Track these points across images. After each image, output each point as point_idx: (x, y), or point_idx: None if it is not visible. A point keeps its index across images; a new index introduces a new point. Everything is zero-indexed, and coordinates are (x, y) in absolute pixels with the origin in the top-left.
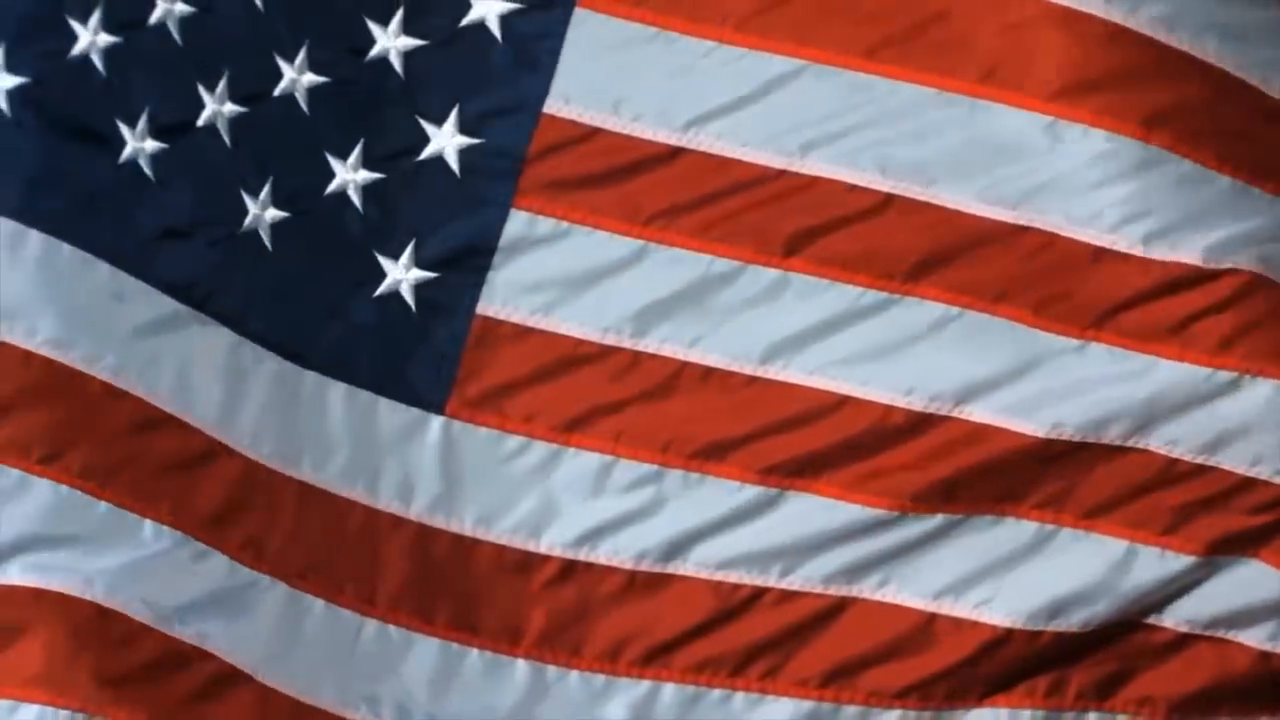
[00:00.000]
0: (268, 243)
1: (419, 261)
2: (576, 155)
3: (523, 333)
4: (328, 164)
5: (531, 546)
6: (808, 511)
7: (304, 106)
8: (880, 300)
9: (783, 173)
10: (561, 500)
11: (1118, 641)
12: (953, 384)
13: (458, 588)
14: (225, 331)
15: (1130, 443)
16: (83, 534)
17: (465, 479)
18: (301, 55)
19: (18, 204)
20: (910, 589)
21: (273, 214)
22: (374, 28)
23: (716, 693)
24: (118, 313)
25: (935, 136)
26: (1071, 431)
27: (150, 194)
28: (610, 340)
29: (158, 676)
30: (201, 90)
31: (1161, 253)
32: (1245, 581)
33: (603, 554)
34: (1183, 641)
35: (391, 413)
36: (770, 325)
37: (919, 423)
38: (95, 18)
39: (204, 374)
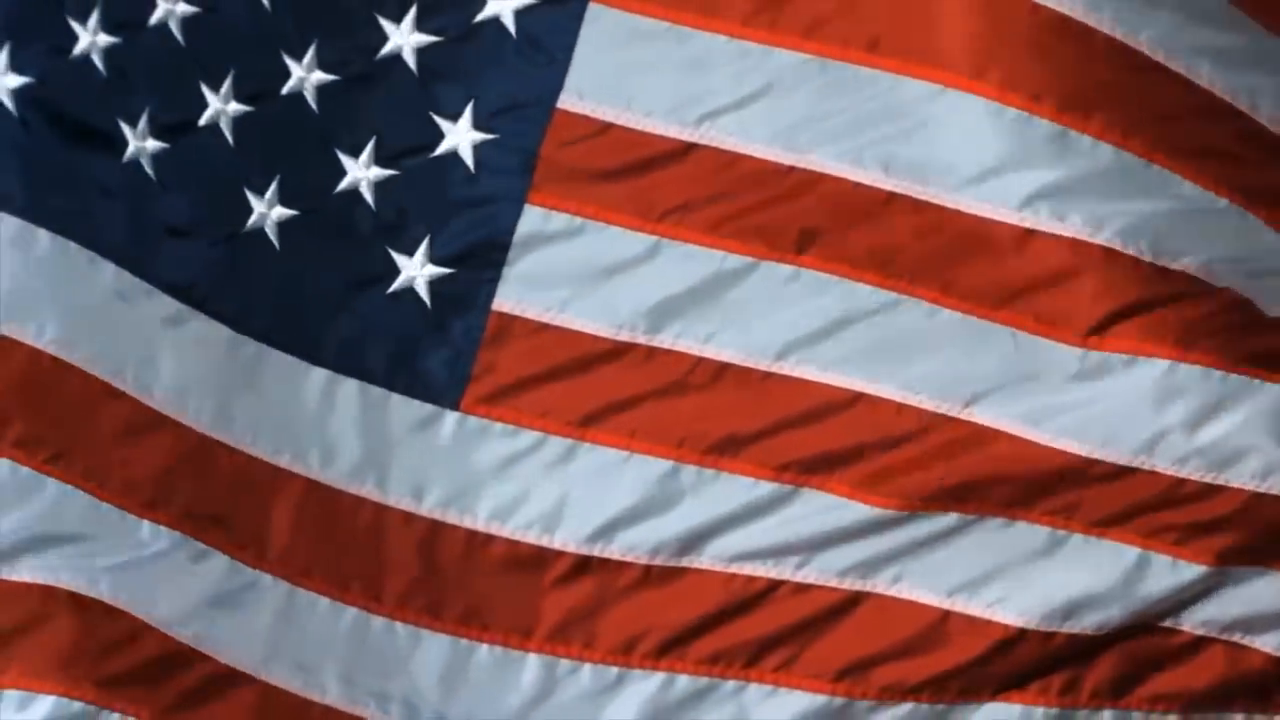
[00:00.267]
0: (275, 241)
1: (434, 258)
2: (590, 151)
3: (538, 328)
4: (338, 161)
5: (545, 542)
6: (821, 508)
7: (313, 104)
8: (889, 300)
9: (792, 169)
10: (576, 496)
11: (1132, 644)
12: (959, 385)
13: (469, 584)
14: (225, 330)
15: (1138, 463)
16: (87, 533)
17: (479, 474)
18: (310, 53)
19: (25, 202)
20: (924, 586)
21: (280, 212)
22: (386, 25)
23: (730, 684)
24: (120, 313)
25: (938, 134)
26: (1079, 446)
27: (152, 194)
28: (625, 336)
29: (158, 675)
30: (205, 90)
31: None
32: (1260, 590)
33: (617, 549)
34: (1198, 644)
35: (405, 409)
36: (784, 321)
37: (929, 423)
38: (94, 18)
39: (203, 374)
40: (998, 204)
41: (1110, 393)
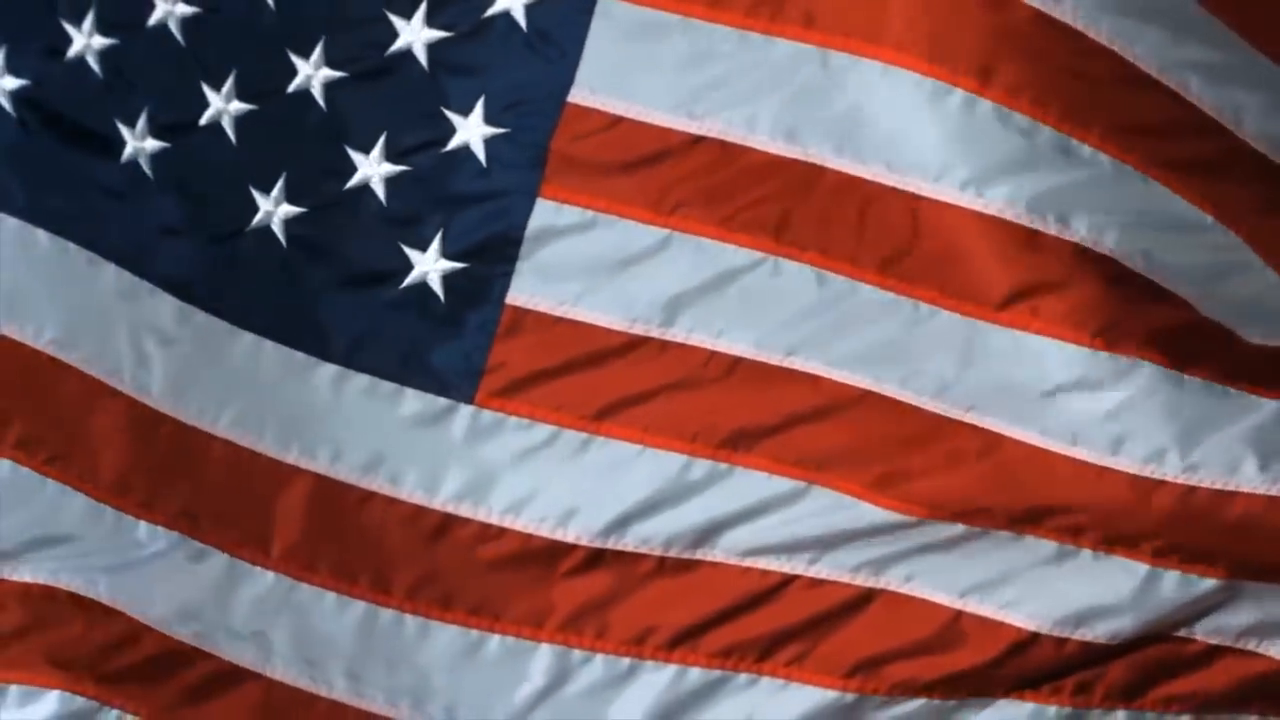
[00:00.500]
0: (281, 238)
1: (446, 252)
2: (601, 144)
3: (551, 322)
4: (348, 158)
5: (559, 535)
6: (833, 507)
7: (321, 102)
8: (891, 300)
9: (794, 162)
10: (590, 489)
11: (1146, 651)
12: (961, 389)
13: (481, 576)
14: (227, 326)
15: (1148, 473)
16: (85, 534)
17: (493, 468)
18: (318, 51)
19: (24, 203)
20: (936, 585)
21: (286, 209)
22: (396, 21)
23: (742, 677)
24: (119, 312)
25: (937, 131)
26: (1086, 453)
27: (150, 193)
28: (639, 329)
29: (160, 673)
30: (206, 89)
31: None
32: (1274, 601)
33: (631, 541)
34: (1212, 652)
35: (417, 403)
36: (793, 317)
37: (935, 425)
38: (88, 20)
39: (203, 371)
40: (999, 209)
41: (1118, 399)
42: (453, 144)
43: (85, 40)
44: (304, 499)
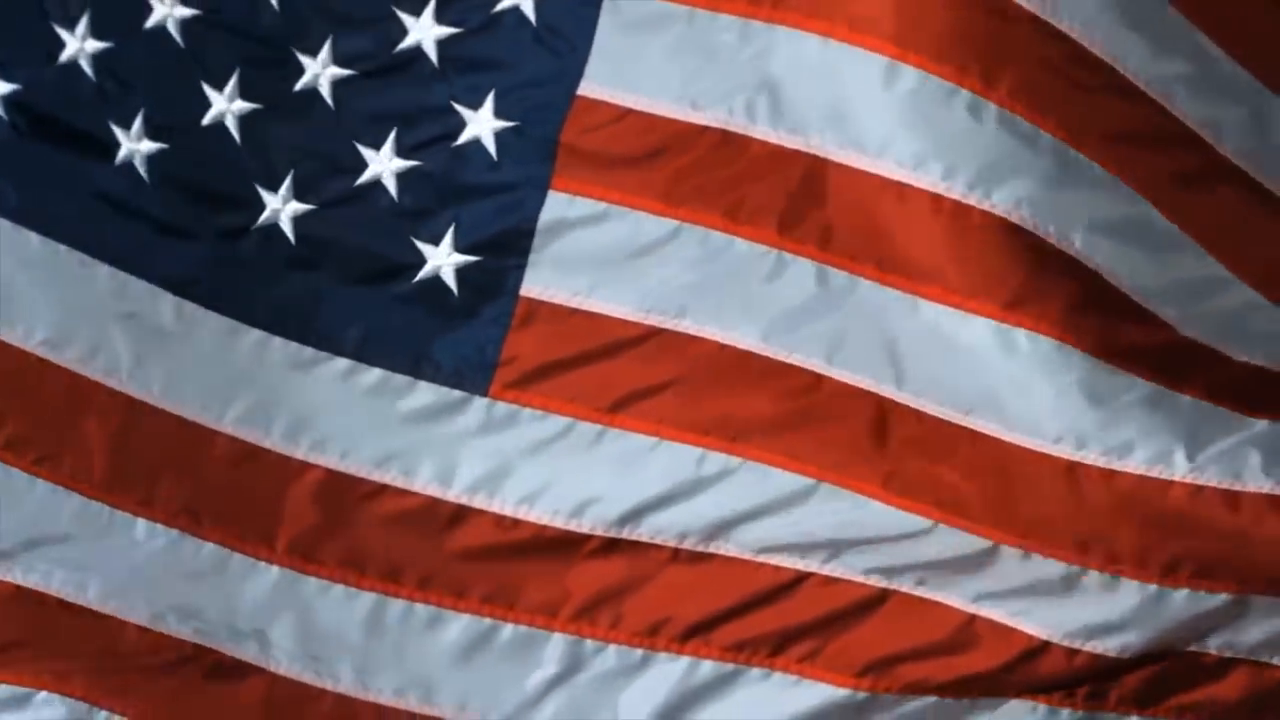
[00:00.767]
0: (290, 236)
1: (460, 246)
2: (611, 136)
3: (566, 314)
4: (358, 155)
5: (574, 526)
6: (843, 505)
7: (329, 100)
8: (894, 297)
9: (798, 153)
10: (604, 481)
11: (1159, 664)
12: (967, 393)
13: (495, 566)
14: (229, 322)
15: (1156, 473)
16: (79, 534)
17: (508, 459)
18: (326, 49)
19: (15, 205)
20: (949, 591)
21: (295, 207)
22: (406, 18)
23: (755, 671)
24: (114, 312)
25: (945, 123)
26: (1094, 457)
27: (147, 194)
28: (652, 320)
29: (153, 674)
30: (207, 89)
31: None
32: None
33: (645, 532)
34: (1224, 664)
35: (431, 396)
36: (795, 312)
37: (940, 428)
38: (82, 25)
39: (203, 368)
40: (1005, 211)
41: (1119, 404)
42: (463, 138)
43: (79, 44)
44: (313, 493)
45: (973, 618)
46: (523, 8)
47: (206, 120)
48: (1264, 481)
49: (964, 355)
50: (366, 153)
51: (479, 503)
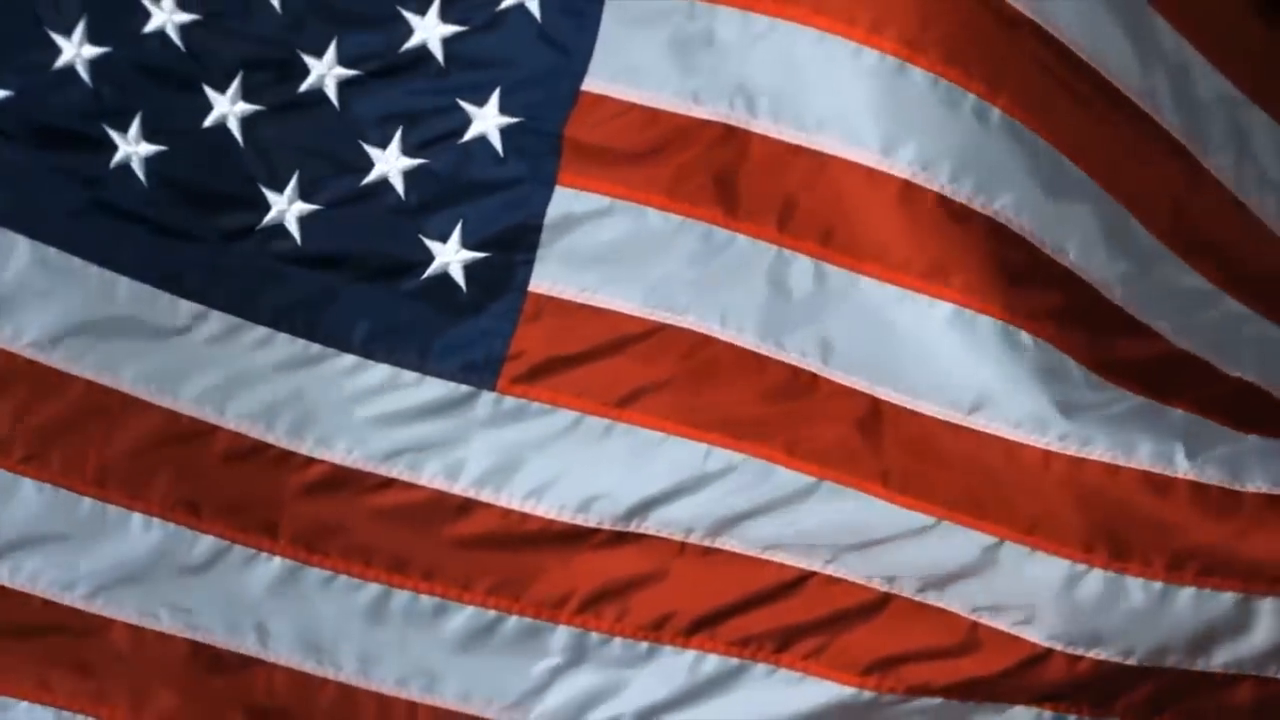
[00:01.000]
0: (296, 236)
1: (467, 243)
2: (615, 131)
3: (573, 309)
4: (364, 154)
5: (581, 519)
6: (846, 505)
7: (334, 101)
8: (895, 295)
9: (799, 149)
10: (612, 475)
11: (1165, 676)
12: (966, 391)
13: (502, 558)
14: (232, 321)
15: (1159, 469)
16: (69, 533)
17: (516, 453)
18: (331, 50)
19: (4, 210)
20: (949, 600)
21: (301, 207)
22: (411, 17)
23: (760, 667)
24: (106, 312)
25: (955, 126)
26: (1099, 453)
27: (145, 196)
28: (657, 317)
29: (150, 674)
30: (209, 92)
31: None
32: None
33: (652, 526)
34: (1231, 679)
35: (439, 390)
36: (798, 311)
37: (942, 429)
38: (78, 31)
39: (202, 364)
40: (1007, 219)
41: (1120, 409)
42: (469, 135)
43: (75, 50)
44: (318, 486)
45: (974, 625)
46: (528, 4)
47: (208, 122)
48: (1262, 483)
49: (965, 355)
50: (373, 152)
51: (486, 496)
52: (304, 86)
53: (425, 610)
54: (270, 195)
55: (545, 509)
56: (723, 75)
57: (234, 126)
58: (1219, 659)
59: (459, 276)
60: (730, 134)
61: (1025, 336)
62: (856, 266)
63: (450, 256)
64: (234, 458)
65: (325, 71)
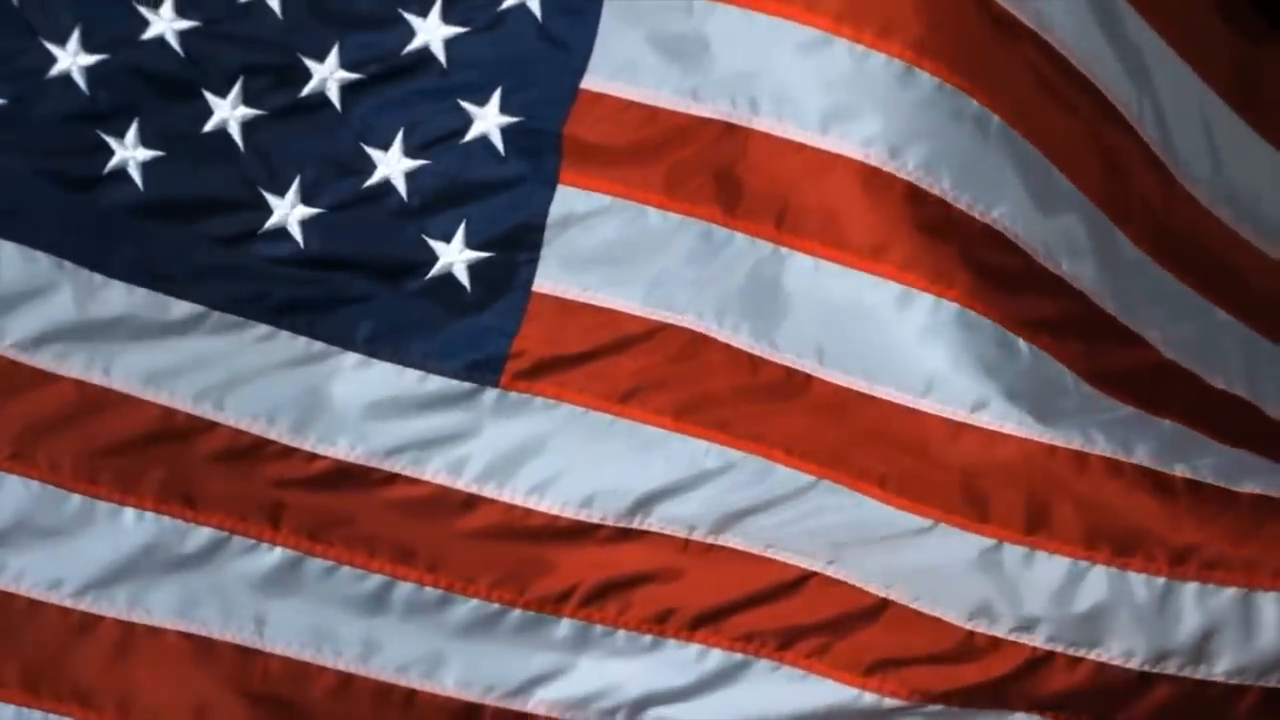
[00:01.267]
0: (299, 239)
1: (471, 242)
2: (614, 129)
3: (576, 308)
4: (366, 157)
5: (584, 515)
6: (846, 504)
7: (336, 104)
8: (900, 293)
9: (800, 147)
10: (615, 469)
11: (1168, 686)
12: (967, 391)
13: (506, 553)
14: (233, 319)
15: (1160, 467)
16: (57, 529)
17: (519, 449)
18: (333, 54)
19: None
20: (944, 608)
21: (304, 211)
22: (413, 20)
23: (764, 663)
24: (99, 313)
25: (957, 132)
26: (1101, 449)
27: (142, 199)
28: (658, 316)
29: (136, 667)
30: (209, 97)
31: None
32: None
33: (655, 522)
34: (1238, 691)
35: (442, 387)
36: (795, 310)
37: (932, 427)
38: (74, 39)
39: (202, 362)
40: (1013, 234)
41: (1121, 413)
42: (470, 135)
43: (71, 59)
44: (321, 479)
45: (970, 633)
46: (529, 3)
47: (208, 128)
48: (1255, 486)
49: (967, 356)
50: (374, 154)
51: (489, 492)
52: (306, 90)
53: (429, 601)
54: (272, 199)
55: (549, 505)
56: (722, 73)
57: (234, 131)
58: (1221, 666)
59: (463, 277)
60: (729, 132)
61: (1022, 344)
62: (856, 266)
63: (454, 257)
64: (234, 453)
65: (328, 75)
